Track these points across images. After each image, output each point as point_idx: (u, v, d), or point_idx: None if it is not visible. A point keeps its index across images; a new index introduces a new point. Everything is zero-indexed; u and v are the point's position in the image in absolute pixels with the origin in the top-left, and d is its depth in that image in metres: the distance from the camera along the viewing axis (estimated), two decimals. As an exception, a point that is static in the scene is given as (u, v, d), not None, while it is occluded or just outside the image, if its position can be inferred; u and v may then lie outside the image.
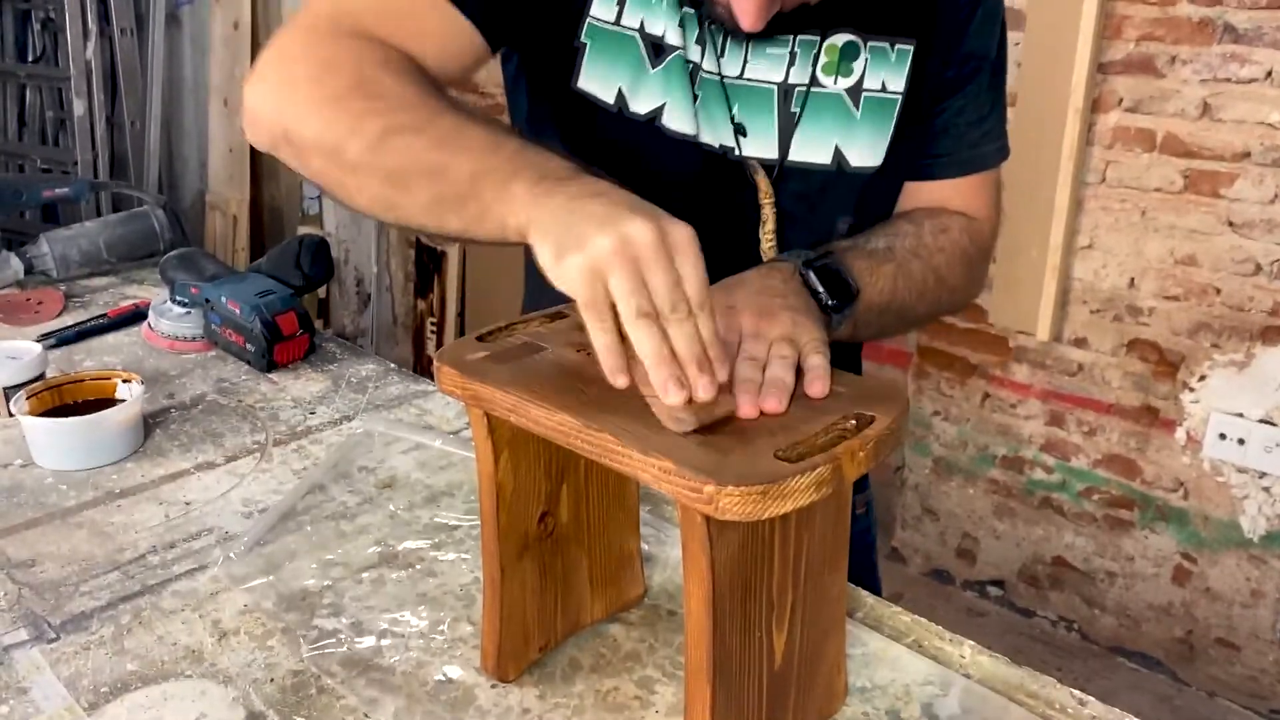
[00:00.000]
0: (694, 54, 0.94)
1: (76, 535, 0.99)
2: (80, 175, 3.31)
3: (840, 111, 0.95)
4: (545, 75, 0.97)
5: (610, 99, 0.94)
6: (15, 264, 1.57)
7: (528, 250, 0.68)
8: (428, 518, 1.02)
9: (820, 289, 0.85)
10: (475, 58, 0.90)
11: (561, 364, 0.72)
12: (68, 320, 1.47)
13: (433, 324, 3.52)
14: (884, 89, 0.95)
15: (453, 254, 3.39)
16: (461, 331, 3.45)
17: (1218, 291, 2.21)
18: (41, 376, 1.21)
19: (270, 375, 1.33)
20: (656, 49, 0.94)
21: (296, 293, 1.39)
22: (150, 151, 3.49)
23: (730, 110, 0.95)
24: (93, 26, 3.30)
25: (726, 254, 0.86)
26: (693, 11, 0.93)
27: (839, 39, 0.94)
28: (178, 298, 1.40)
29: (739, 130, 0.95)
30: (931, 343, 2.68)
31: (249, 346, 1.33)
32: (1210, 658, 2.37)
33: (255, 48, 3.52)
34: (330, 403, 1.26)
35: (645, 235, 0.60)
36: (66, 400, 1.15)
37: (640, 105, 0.95)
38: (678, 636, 0.85)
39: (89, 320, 1.45)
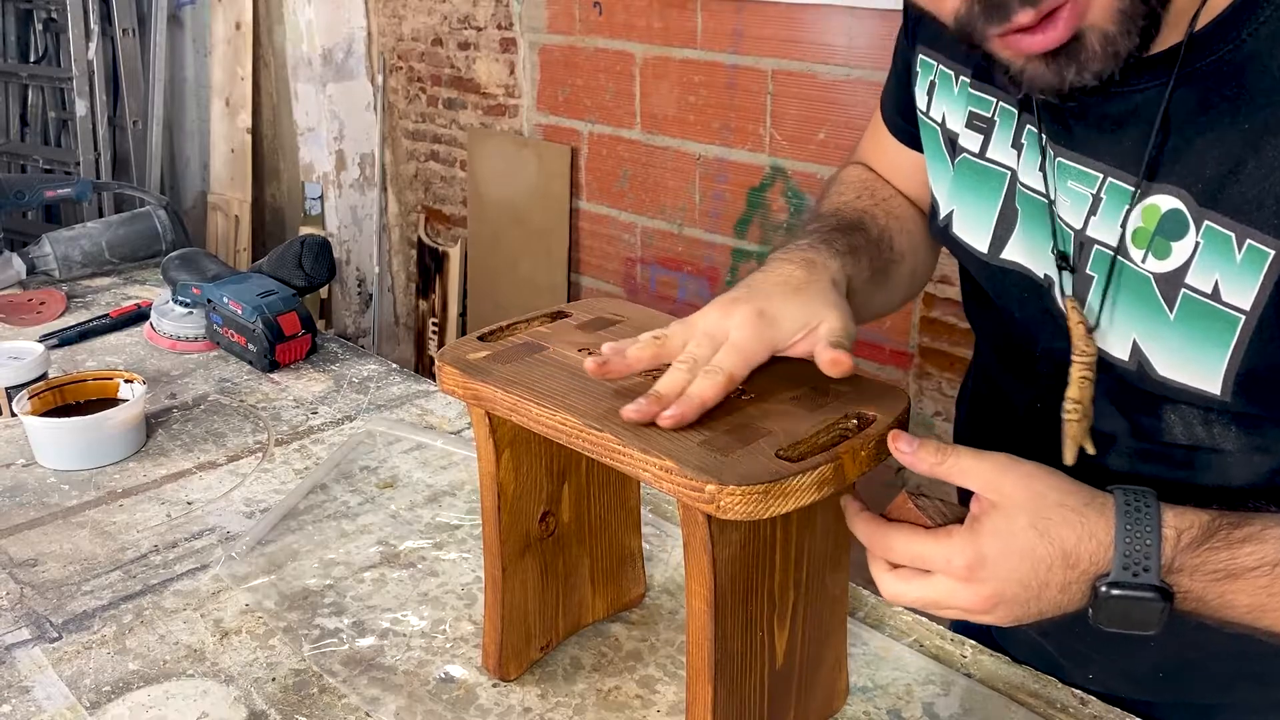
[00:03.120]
0: (1005, 156, 0.76)
1: (78, 535, 0.99)
2: (82, 175, 3.31)
3: (1146, 300, 0.67)
4: None
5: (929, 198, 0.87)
6: (17, 264, 1.57)
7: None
8: (429, 517, 1.02)
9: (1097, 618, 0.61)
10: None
11: (562, 364, 0.72)
12: (70, 320, 1.47)
13: (434, 324, 3.52)
14: (1216, 296, 0.63)
15: (454, 255, 3.40)
16: (463, 331, 3.45)
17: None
18: (44, 377, 1.21)
19: (272, 375, 1.33)
20: (951, 144, 0.81)
21: (298, 293, 1.39)
22: (152, 152, 3.49)
23: (1054, 238, 0.72)
24: (95, 27, 3.29)
25: (1018, 410, 0.82)
26: (990, 98, 0.76)
27: (1163, 200, 0.65)
28: (180, 298, 1.40)
29: (1061, 261, 0.72)
30: (934, 343, 2.68)
31: (251, 347, 1.33)
32: (1212, 658, 2.37)
33: (257, 48, 3.52)
34: (332, 403, 1.26)
35: (701, 321, 0.70)
36: (69, 400, 1.15)
37: (941, 205, 0.83)
38: (679, 636, 0.85)
39: (91, 320, 1.45)
